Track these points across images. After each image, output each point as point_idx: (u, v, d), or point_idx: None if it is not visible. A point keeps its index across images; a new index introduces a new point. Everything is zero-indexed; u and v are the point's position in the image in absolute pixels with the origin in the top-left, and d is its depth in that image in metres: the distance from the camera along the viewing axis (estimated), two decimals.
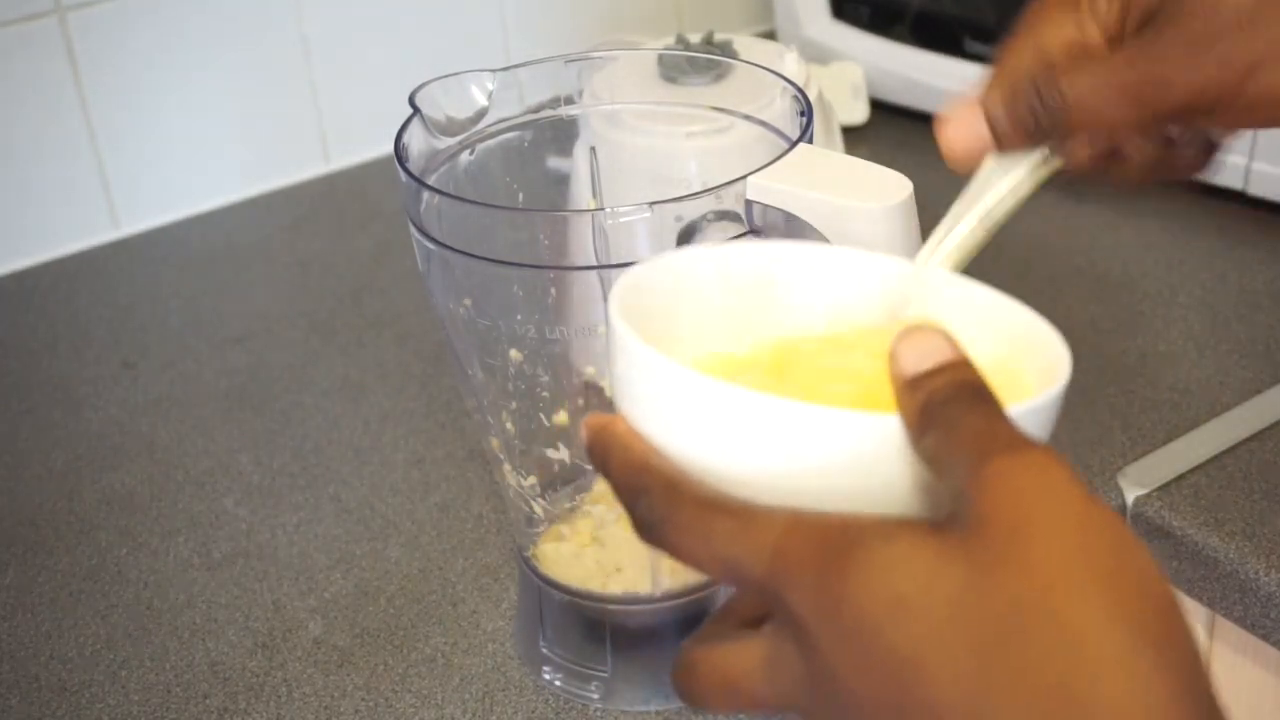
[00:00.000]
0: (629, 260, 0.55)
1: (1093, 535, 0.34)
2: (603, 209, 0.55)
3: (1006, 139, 0.48)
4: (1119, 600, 0.33)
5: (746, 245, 0.48)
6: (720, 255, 0.47)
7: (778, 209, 0.54)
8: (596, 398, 0.62)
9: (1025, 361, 0.43)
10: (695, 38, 0.82)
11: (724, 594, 0.63)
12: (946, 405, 0.37)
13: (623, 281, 0.44)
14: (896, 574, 0.34)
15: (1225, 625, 0.75)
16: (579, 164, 0.70)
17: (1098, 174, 0.51)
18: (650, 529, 0.40)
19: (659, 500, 0.39)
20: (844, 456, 0.37)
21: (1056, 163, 0.49)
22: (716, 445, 0.39)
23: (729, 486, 0.39)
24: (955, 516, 0.35)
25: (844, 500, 0.37)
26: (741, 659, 0.39)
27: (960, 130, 0.48)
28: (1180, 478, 0.74)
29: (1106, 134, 0.49)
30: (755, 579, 0.37)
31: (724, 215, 0.55)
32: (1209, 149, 0.52)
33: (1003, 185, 0.48)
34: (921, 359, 0.38)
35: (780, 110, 0.63)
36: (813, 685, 0.36)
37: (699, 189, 0.55)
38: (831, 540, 0.36)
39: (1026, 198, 0.49)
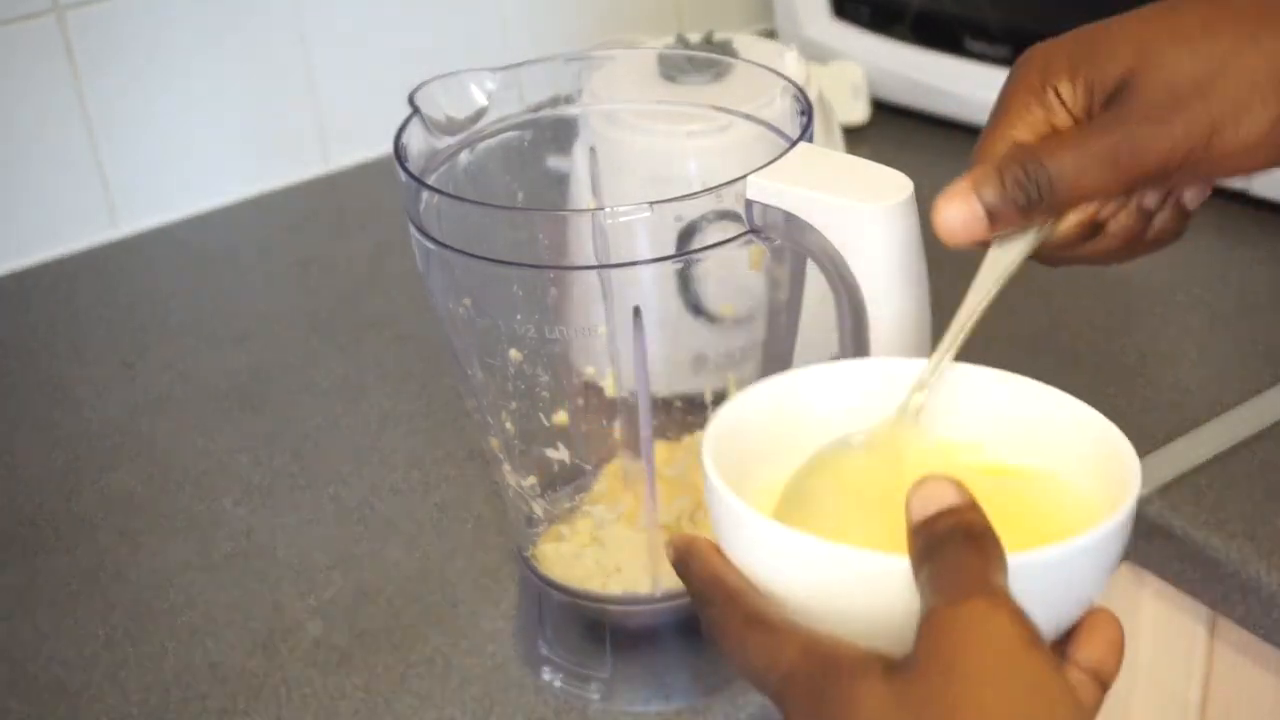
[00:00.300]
0: (629, 260, 0.55)
1: (1014, 684, 0.38)
2: (603, 208, 0.54)
3: (1000, 218, 0.51)
4: None
5: (815, 370, 0.53)
6: (795, 382, 0.52)
7: (778, 208, 0.54)
8: (596, 398, 0.62)
9: (1096, 473, 0.48)
10: (695, 37, 0.82)
11: None
12: (939, 546, 0.41)
13: (717, 418, 0.49)
14: (856, 707, 0.40)
15: (1226, 625, 0.75)
16: (579, 164, 0.70)
17: (1079, 249, 0.54)
18: (709, 631, 0.46)
19: (719, 611, 0.45)
20: (865, 588, 0.43)
21: (1044, 234, 0.52)
22: (765, 569, 0.45)
23: (778, 602, 0.45)
24: (909, 657, 0.40)
25: (869, 626, 0.43)
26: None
27: (954, 217, 0.52)
28: (1181, 478, 0.74)
29: (1091, 203, 0.52)
30: (771, 693, 0.43)
31: (724, 215, 0.55)
32: (1183, 215, 0.56)
33: (1002, 266, 0.52)
34: (928, 505, 0.42)
35: (780, 110, 0.63)
36: None
37: (699, 189, 0.55)
38: (821, 670, 0.42)
39: (1016, 270, 0.52)
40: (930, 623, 0.39)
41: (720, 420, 0.49)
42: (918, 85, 1.10)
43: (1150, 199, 0.54)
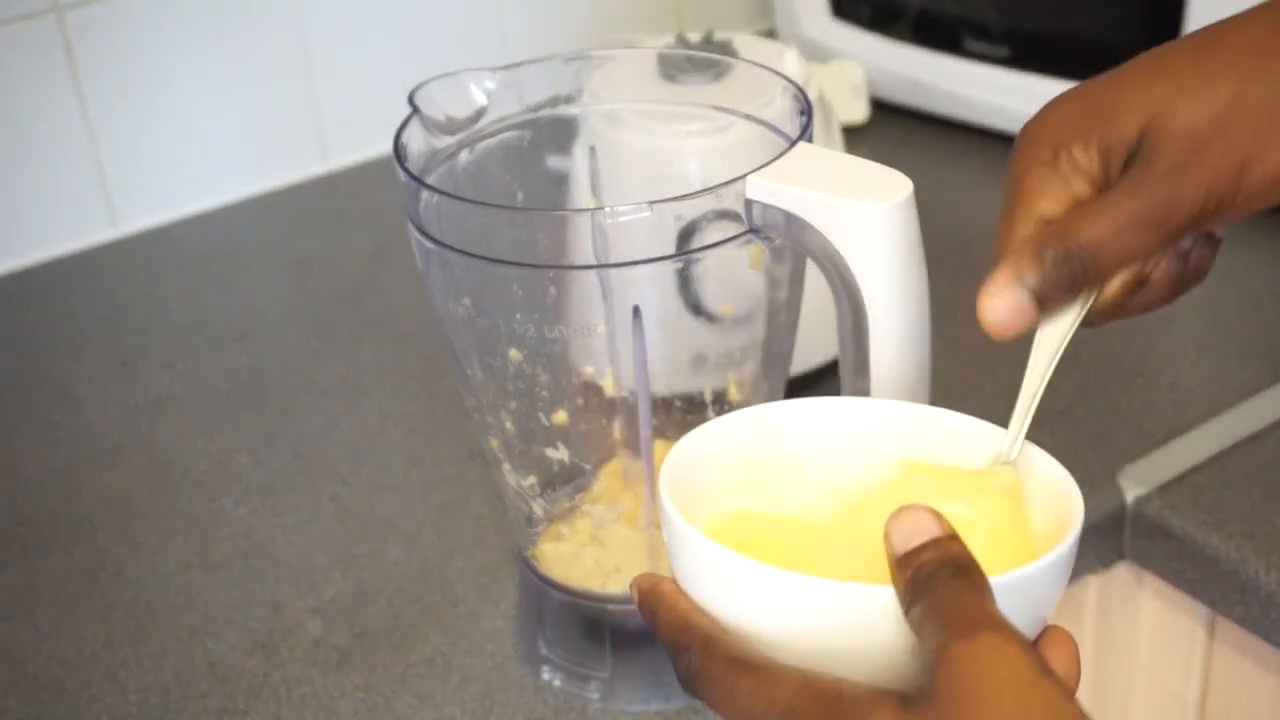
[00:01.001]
0: (629, 260, 0.55)
1: (1033, 712, 0.38)
2: (602, 208, 0.54)
3: (1049, 299, 0.51)
4: None
5: (780, 405, 0.52)
6: (756, 416, 0.52)
7: (777, 208, 0.54)
8: (596, 397, 0.62)
9: (1041, 511, 0.48)
10: (695, 36, 0.82)
11: None
12: (929, 579, 0.41)
13: (672, 454, 0.49)
14: None
15: (1225, 625, 0.75)
16: (578, 163, 0.70)
17: (1127, 306, 0.54)
18: (688, 681, 0.45)
19: (696, 657, 0.44)
20: (846, 623, 0.42)
21: (1089, 302, 0.52)
22: (741, 609, 0.44)
23: (757, 644, 0.44)
24: (922, 690, 0.40)
25: (850, 660, 0.42)
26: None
27: (1003, 310, 0.51)
28: (1180, 477, 0.74)
29: (1135, 264, 0.52)
30: None
31: (724, 215, 0.55)
32: (1213, 243, 0.55)
33: (1056, 341, 0.52)
34: (910, 537, 0.42)
35: (780, 109, 0.63)
36: None
37: (699, 188, 0.55)
38: (825, 708, 0.41)
39: (1070, 343, 0.52)
40: (943, 657, 0.39)
41: (676, 457, 0.49)
42: (918, 85, 1.10)
43: (1186, 240, 0.54)
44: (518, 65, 0.64)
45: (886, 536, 0.43)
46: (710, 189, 0.55)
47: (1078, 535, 0.45)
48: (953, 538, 0.42)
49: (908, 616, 0.41)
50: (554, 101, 0.67)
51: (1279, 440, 0.76)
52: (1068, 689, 0.40)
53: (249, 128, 1.09)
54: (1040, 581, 0.44)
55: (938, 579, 0.41)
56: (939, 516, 0.43)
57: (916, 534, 0.42)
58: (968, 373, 0.82)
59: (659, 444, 0.62)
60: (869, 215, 0.52)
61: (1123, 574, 0.78)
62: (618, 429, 0.63)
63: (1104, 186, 0.51)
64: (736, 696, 0.43)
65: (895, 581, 0.42)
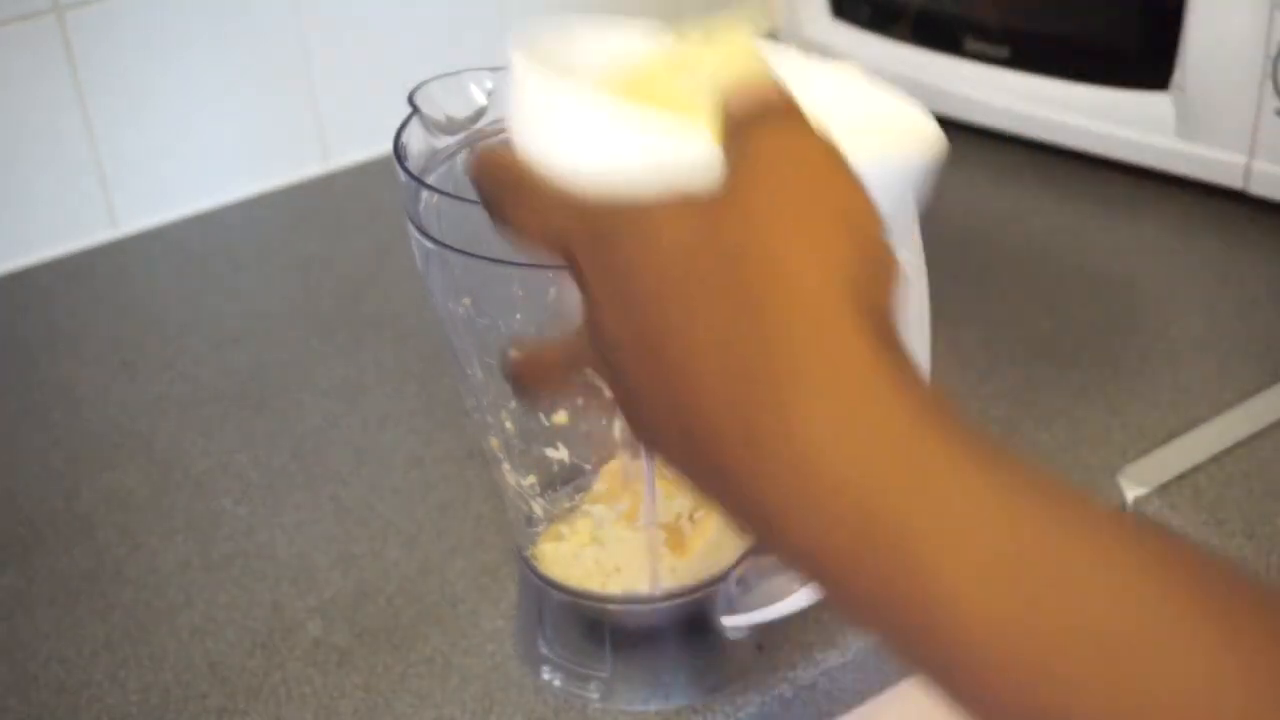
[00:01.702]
0: None
1: (812, 184, 0.39)
2: None
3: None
4: (824, 240, 0.38)
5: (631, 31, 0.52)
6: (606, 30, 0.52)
7: None
8: (596, 397, 0.62)
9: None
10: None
11: (724, 593, 0.63)
12: (751, 117, 0.40)
13: (529, 33, 0.48)
14: (647, 228, 0.39)
15: None
16: None
17: None
18: (498, 209, 0.45)
19: (508, 189, 0.44)
20: (665, 158, 0.41)
21: None
22: (565, 145, 0.44)
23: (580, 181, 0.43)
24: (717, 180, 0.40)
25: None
26: (570, 339, 0.45)
27: None
28: (1180, 477, 0.74)
29: None
30: (562, 246, 0.42)
31: None
32: None
33: None
34: (747, 100, 0.41)
35: None
36: (601, 336, 0.41)
37: None
38: (612, 208, 0.41)
39: None
40: (732, 143, 0.39)
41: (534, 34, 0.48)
42: (918, 85, 1.10)
43: None
44: None
45: (724, 106, 0.41)
46: None
47: (926, 161, 0.44)
48: (789, 99, 0.41)
49: (725, 152, 0.40)
50: None
51: (1279, 440, 0.77)
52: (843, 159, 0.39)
53: (249, 128, 1.09)
54: (884, 175, 0.42)
55: (758, 115, 0.40)
56: (783, 89, 0.41)
57: (755, 97, 0.41)
58: (967, 373, 0.82)
59: None
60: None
61: None
62: (618, 429, 0.63)
63: None
64: (542, 214, 0.43)
65: (721, 129, 0.41)
